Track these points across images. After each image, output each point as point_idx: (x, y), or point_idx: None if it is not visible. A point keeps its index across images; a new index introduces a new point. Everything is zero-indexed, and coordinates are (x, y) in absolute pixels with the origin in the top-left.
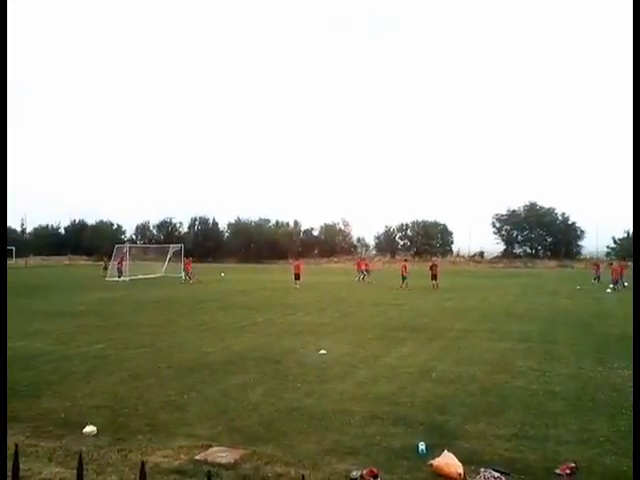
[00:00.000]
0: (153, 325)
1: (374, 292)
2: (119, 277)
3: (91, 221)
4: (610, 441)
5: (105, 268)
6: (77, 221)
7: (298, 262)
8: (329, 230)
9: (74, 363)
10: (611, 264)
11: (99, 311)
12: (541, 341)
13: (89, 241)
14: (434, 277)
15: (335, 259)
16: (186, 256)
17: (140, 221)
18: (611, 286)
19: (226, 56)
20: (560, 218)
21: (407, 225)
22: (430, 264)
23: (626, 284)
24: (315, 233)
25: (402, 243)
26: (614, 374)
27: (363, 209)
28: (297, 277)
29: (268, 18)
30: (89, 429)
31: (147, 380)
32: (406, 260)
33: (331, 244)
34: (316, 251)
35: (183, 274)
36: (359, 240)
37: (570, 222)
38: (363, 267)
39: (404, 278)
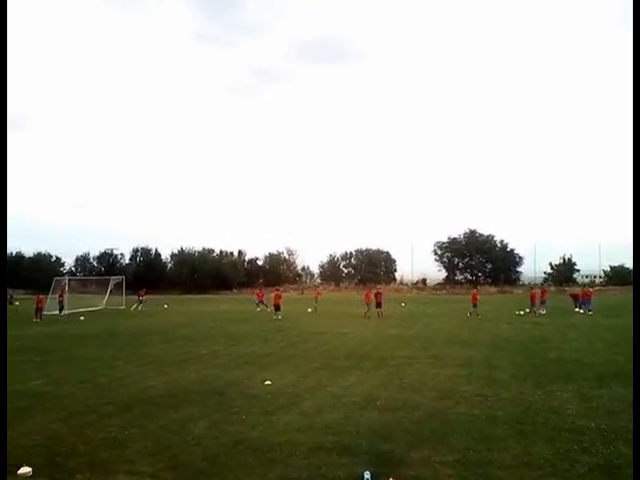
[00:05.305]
0: (94, 359)
1: (319, 321)
2: (60, 311)
3: (29, 253)
4: (550, 463)
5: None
6: (14, 253)
7: (278, 292)
8: (273, 259)
9: (9, 401)
10: (531, 289)
11: (37, 346)
12: (483, 366)
13: (27, 274)
14: (379, 305)
15: (281, 288)
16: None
17: (80, 252)
18: (542, 311)
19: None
20: (499, 245)
21: (351, 253)
22: (375, 292)
23: (584, 310)
24: (260, 262)
25: (347, 271)
26: (552, 397)
27: (307, 238)
28: (277, 308)
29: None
30: (24, 470)
31: (87, 417)
32: (476, 288)
33: (276, 273)
34: (261, 280)
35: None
36: (304, 269)
37: (509, 249)
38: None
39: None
